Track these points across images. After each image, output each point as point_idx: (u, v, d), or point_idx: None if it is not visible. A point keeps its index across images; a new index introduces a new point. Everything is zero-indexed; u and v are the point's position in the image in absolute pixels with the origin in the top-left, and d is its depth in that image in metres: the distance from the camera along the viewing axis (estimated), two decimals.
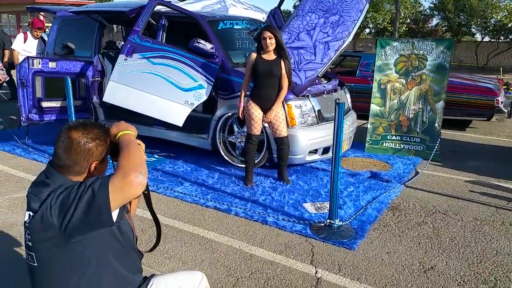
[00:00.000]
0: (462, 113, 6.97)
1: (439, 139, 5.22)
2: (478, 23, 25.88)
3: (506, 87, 9.78)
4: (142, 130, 5.22)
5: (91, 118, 5.83)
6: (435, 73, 5.31)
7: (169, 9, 4.92)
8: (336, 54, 4.51)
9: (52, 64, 4.84)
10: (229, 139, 4.79)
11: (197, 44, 4.53)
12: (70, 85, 4.47)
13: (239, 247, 2.99)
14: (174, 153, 5.22)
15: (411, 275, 2.67)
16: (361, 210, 3.58)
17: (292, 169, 4.62)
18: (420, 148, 5.38)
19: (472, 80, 7.56)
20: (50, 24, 5.98)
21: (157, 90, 4.39)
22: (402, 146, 5.46)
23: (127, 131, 1.53)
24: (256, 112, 4.03)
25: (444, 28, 27.49)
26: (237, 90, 4.49)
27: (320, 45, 4.52)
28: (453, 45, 5.30)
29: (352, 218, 3.41)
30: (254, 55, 4.04)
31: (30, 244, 1.43)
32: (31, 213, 1.41)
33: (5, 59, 7.37)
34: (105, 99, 4.51)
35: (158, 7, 4.86)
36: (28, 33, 6.59)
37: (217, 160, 4.84)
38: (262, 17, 6.97)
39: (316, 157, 4.56)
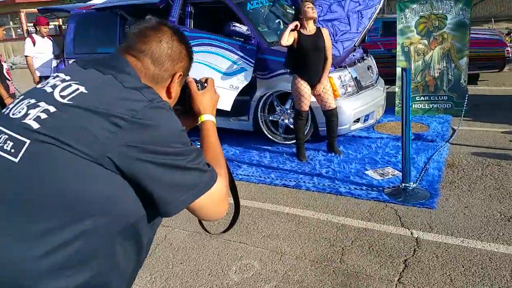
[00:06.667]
0: (474, 67, 7.14)
1: (467, 95, 5.41)
2: None
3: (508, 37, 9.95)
4: None
5: None
6: (456, 31, 5.42)
7: None
8: (370, 22, 4.58)
9: None
10: (270, 118, 4.88)
11: (233, 28, 4.53)
12: None
13: (327, 219, 3.14)
14: None
15: (498, 224, 2.87)
16: (424, 171, 3.76)
17: (337, 140, 4.74)
18: (448, 105, 5.56)
19: (477, 33, 7.72)
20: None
21: (201, 77, 4.39)
22: (431, 106, 5.63)
23: (213, 117, 1.20)
24: (305, 88, 4.11)
25: None
26: (275, 69, 4.56)
27: (354, 15, 4.58)
28: (472, 2, 5.40)
29: (419, 180, 3.59)
30: (295, 32, 4.09)
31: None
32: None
33: None
34: None
35: None
36: (34, 35, 6.35)
37: (260, 140, 4.93)
38: None
39: (359, 125, 4.70)
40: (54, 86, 0.95)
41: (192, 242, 2.96)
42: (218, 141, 1.17)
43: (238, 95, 5.03)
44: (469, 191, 3.39)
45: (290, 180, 3.82)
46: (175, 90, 1.10)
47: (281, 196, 3.58)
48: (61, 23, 17.22)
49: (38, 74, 6.21)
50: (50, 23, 7.11)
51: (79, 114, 0.88)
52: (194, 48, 3.99)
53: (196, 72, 4.80)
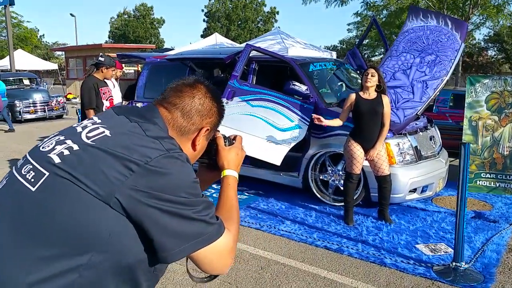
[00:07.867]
0: None
1: None
2: None
3: None
4: None
5: None
6: None
7: (259, 54, 5.16)
8: (435, 93, 4.50)
9: None
10: (320, 177, 4.83)
11: (292, 86, 4.71)
12: None
13: None
14: (261, 191, 5.30)
15: None
16: (480, 252, 3.44)
17: (390, 208, 4.54)
18: None
19: None
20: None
21: (256, 130, 4.55)
22: (497, 184, 5.24)
23: (235, 173, 1.23)
24: (358, 151, 4.06)
25: (501, 60, 26.70)
26: (330, 129, 4.58)
27: (418, 84, 4.54)
28: None
29: (473, 261, 3.29)
30: (353, 95, 4.13)
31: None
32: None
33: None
34: None
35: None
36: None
37: (308, 198, 4.86)
38: (319, 55, 7.18)
39: (415, 196, 4.48)
40: (84, 127, 1.03)
41: None
42: (236, 197, 1.18)
43: (291, 151, 5.10)
44: None
45: (332, 243, 3.68)
46: (201, 143, 1.15)
47: (320, 258, 3.45)
48: (139, 69, 18.85)
49: None
50: (130, 68, 7.75)
51: (97, 155, 0.93)
52: (253, 103, 4.09)
53: (252, 125, 5.03)
